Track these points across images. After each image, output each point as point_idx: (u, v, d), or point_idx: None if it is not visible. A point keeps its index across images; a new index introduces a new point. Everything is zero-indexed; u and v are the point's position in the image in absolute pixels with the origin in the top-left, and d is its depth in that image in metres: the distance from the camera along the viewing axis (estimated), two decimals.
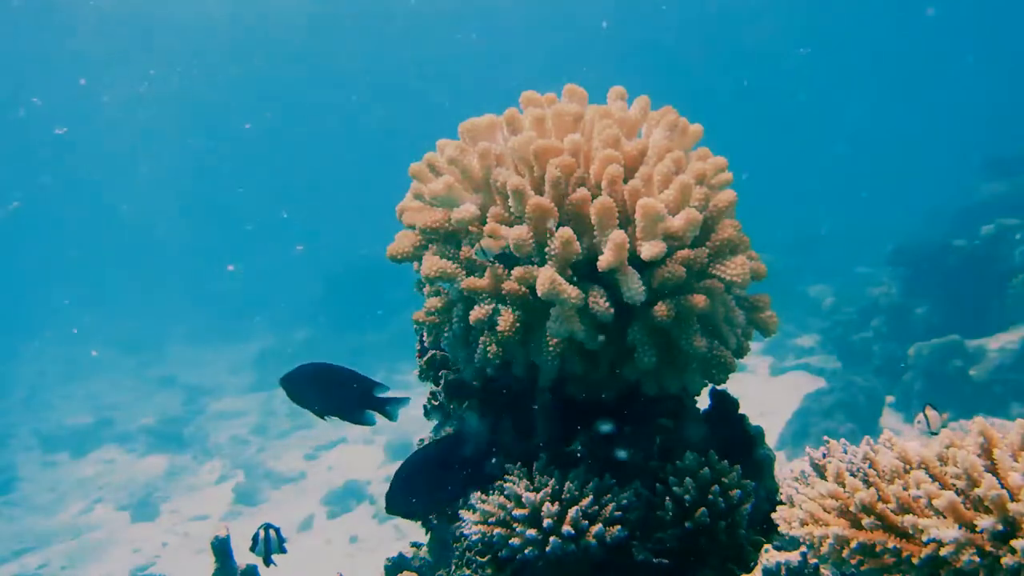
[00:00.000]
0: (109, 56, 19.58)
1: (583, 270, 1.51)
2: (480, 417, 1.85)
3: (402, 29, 21.71)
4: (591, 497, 1.57)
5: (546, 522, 1.54)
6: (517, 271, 1.50)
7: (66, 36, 18.28)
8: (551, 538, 1.51)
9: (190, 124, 24.92)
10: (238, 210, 25.94)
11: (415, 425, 8.17)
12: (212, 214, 26.77)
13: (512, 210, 1.54)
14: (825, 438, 1.59)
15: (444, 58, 23.48)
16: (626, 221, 1.50)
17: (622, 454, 1.71)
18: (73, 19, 17.77)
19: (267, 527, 2.10)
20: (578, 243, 1.46)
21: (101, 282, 21.77)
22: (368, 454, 8.00)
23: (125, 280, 21.44)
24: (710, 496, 1.57)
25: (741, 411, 1.87)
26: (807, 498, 1.21)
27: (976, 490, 0.99)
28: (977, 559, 0.96)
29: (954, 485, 1.05)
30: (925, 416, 2.32)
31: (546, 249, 1.47)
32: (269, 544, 2.07)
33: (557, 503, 1.56)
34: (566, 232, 1.44)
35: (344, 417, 1.82)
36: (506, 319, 1.52)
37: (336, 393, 1.81)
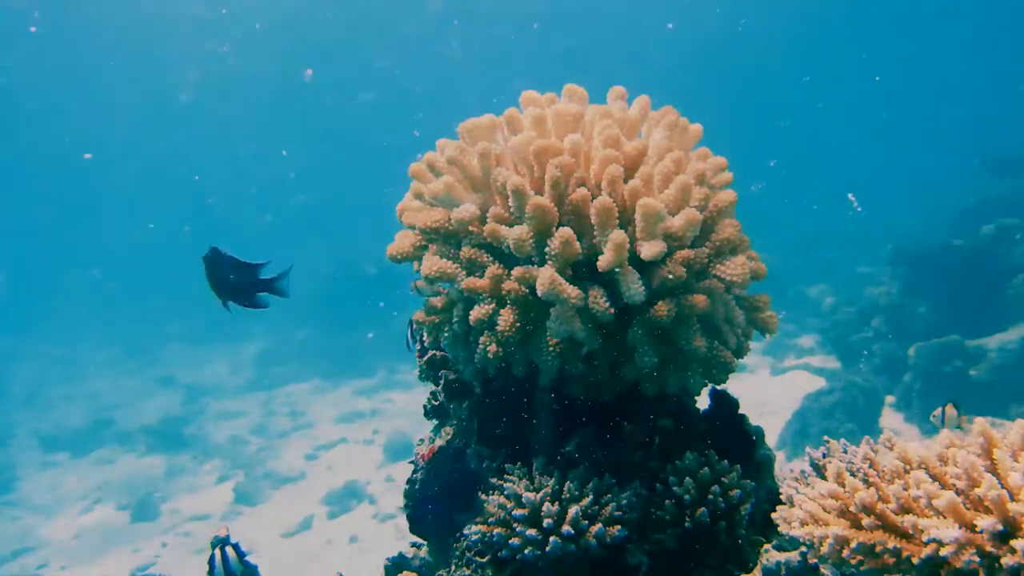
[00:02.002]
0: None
1: (583, 270, 1.51)
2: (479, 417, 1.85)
3: (403, 33, 21.76)
4: (591, 497, 1.57)
5: (546, 522, 1.53)
6: (517, 271, 1.50)
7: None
8: (551, 538, 1.51)
9: (190, 129, 25.01)
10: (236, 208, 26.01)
11: (415, 425, 8.22)
12: (212, 212, 26.81)
13: (512, 210, 1.53)
14: (825, 438, 1.59)
15: (444, 60, 23.52)
16: (626, 221, 1.50)
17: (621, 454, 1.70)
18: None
19: (223, 544, 1.85)
20: (578, 243, 1.46)
21: (102, 282, 21.77)
22: (368, 454, 8.00)
23: (126, 280, 21.45)
24: (710, 496, 1.57)
25: (741, 411, 1.87)
26: (807, 498, 1.21)
27: (976, 490, 0.99)
28: (977, 559, 0.96)
29: (954, 485, 1.05)
30: (943, 411, 2.31)
31: (546, 249, 1.47)
32: (228, 565, 1.83)
33: (557, 503, 1.56)
34: (566, 232, 1.44)
35: (242, 304, 1.80)
36: (506, 319, 1.52)
37: (225, 284, 1.78)
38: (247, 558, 1.90)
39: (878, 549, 1.07)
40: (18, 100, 21.16)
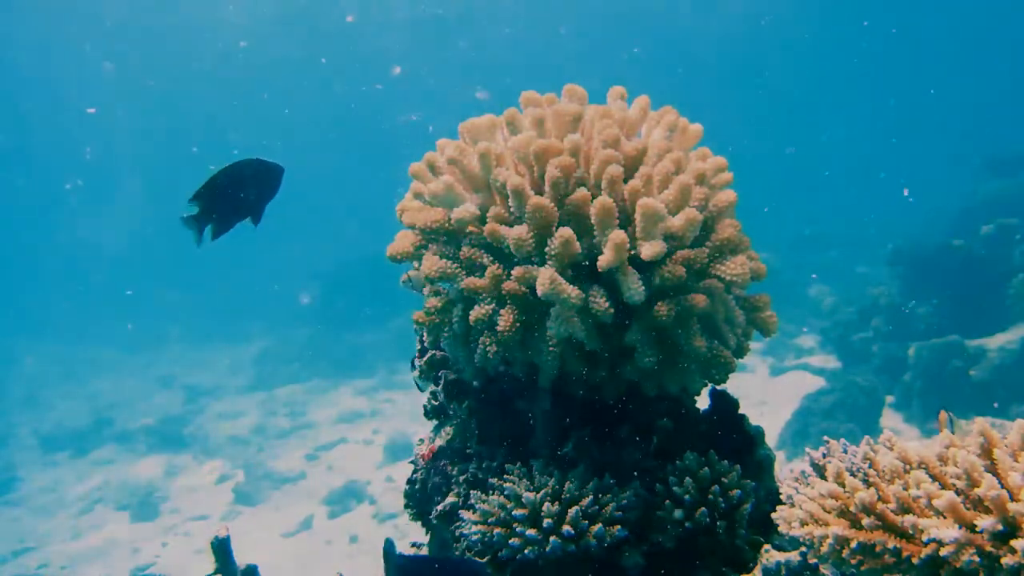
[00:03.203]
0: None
1: (583, 270, 1.51)
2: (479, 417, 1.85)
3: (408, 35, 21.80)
4: (591, 497, 1.57)
5: (546, 522, 1.54)
6: (517, 271, 1.50)
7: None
8: (551, 538, 1.51)
9: (185, 130, 25.02)
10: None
11: (415, 425, 8.22)
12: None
13: (512, 210, 1.54)
14: (825, 438, 1.59)
15: (446, 60, 23.53)
16: (626, 221, 1.50)
17: (623, 454, 1.70)
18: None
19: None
20: (578, 243, 1.46)
21: (102, 281, 21.77)
22: (368, 454, 8.00)
23: (125, 279, 21.45)
24: (710, 496, 1.57)
25: (741, 411, 1.87)
26: (807, 498, 1.21)
27: (976, 490, 0.99)
28: (977, 559, 0.96)
29: (954, 485, 1.05)
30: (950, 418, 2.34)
31: (546, 249, 1.47)
32: None
33: (557, 503, 1.56)
34: (566, 232, 1.44)
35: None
36: (506, 319, 1.51)
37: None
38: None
39: (878, 549, 1.08)
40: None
